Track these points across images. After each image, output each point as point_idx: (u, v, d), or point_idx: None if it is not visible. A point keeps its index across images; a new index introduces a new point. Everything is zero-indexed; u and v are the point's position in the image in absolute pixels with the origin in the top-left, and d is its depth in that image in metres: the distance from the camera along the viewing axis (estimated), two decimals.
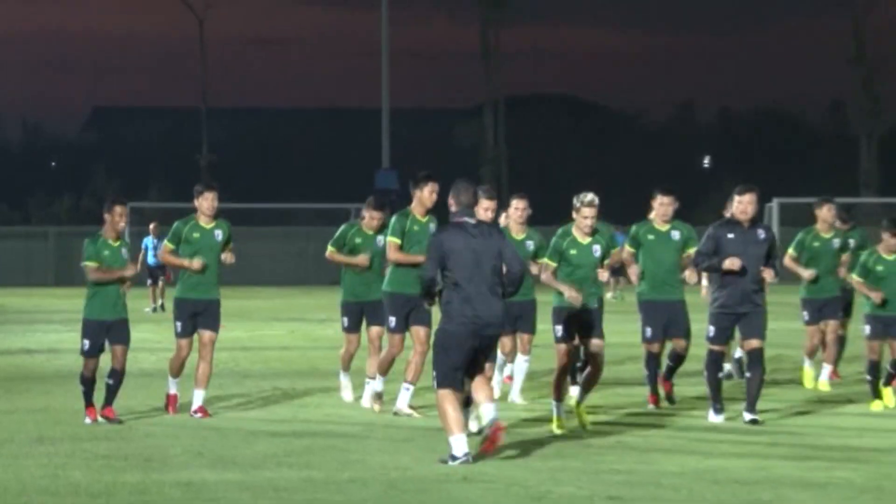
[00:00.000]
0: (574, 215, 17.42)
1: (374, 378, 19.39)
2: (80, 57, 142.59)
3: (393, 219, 18.62)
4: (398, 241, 18.31)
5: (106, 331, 18.06)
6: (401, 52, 77.09)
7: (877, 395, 19.23)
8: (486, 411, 15.23)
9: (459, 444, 14.86)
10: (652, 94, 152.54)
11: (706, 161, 73.78)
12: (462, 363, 15.15)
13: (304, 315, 41.72)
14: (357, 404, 19.73)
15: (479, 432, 15.48)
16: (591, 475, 14.16)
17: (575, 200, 17.39)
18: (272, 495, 13.16)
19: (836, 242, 21.40)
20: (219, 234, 18.78)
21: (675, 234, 19.41)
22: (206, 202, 18.75)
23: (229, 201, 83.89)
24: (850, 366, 23.09)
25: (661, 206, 19.31)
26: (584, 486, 13.47)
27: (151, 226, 46.05)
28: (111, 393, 18.21)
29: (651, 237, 19.34)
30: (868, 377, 19.44)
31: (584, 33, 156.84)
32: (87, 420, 18.04)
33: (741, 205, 17.88)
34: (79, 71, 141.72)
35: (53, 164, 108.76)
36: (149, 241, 44.81)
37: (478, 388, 15.34)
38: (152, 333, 32.86)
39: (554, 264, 17.35)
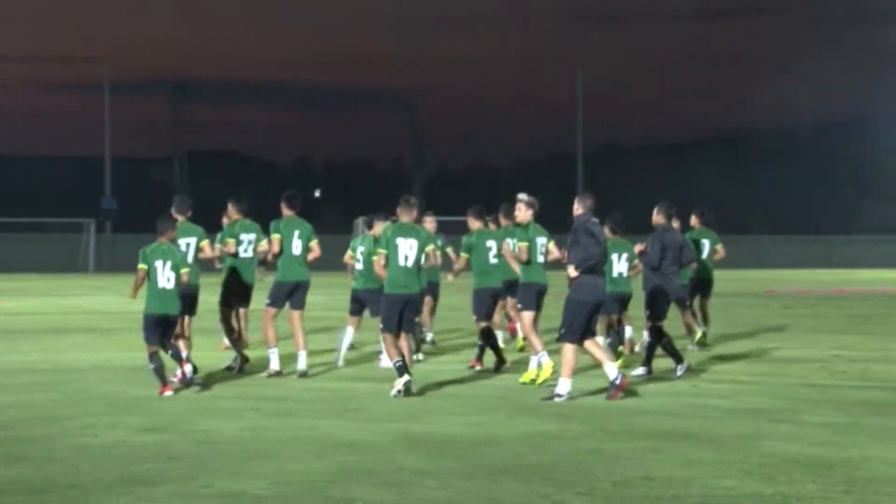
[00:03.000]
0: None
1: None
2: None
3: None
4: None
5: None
6: (120, 122, 76.60)
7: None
8: (609, 371, 13.52)
9: (565, 385, 13.31)
10: (282, 150, 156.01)
11: (317, 192, 75.07)
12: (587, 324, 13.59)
13: (57, 293, 40.58)
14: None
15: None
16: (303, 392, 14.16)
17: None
18: (75, 395, 12.92)
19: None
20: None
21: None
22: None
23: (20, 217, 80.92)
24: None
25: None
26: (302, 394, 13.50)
27: None
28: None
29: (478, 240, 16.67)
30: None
31: (244, 110, 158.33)
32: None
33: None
34: None
35: None
36: None
37: (594, 350, 13.65)
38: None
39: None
